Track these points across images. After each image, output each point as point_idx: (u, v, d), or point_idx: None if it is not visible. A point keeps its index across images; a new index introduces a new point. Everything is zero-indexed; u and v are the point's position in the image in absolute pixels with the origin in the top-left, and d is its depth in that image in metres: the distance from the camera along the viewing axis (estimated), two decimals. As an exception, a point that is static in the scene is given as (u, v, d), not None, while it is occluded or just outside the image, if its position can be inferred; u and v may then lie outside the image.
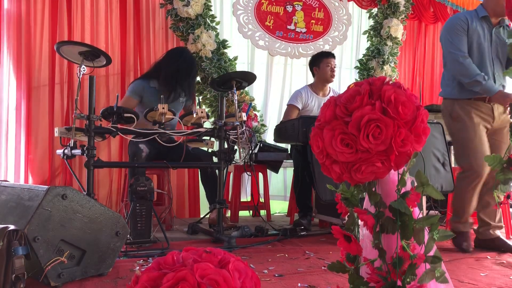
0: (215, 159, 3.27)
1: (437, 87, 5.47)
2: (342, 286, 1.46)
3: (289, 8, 4.81)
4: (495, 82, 2.70)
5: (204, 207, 4.28)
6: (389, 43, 5.10)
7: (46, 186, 1.88)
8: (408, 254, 1.12)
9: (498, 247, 2.67)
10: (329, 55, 3.88)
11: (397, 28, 5.09)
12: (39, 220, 1.78)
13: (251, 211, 4.40)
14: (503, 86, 2.75)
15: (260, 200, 4.09)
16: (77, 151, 2.67)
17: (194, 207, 4.33)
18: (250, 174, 3.64)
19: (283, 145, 4.08)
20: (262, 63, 4.84)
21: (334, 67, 3.85)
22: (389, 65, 5.08)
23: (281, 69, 4.92)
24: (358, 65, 5.14)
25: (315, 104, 3.83)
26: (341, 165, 1.16)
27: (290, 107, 3.83)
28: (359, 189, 1.23)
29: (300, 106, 3.81)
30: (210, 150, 3.40)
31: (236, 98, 3.14)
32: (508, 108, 2.71)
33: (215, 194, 3.37)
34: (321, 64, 3.83)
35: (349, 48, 5.23)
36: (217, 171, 3.08)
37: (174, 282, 0.98)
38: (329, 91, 3.97)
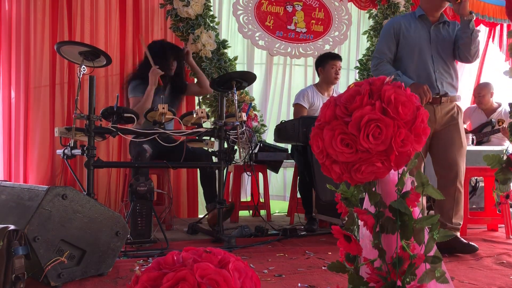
0: (214, 159, 3.27)
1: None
2: (342, 286, 1.46)
3: (289, 8, 4.81)
4: (436, 80, 2.70)
5: (203, 207, 4.28)
6: (389, 43, 5.10)
7: (46, 186, 1.88)
8: (408, 254, 1.12)
9: (454, 247, 2.56)
10: (335, 57, 3.88)
11: (397, 28, 5.09)
12: (39, 220, 1.78)
13: (251, 211, 4.40)
14: (446, 84, 2.73)
15: (260, 200, 4.09)
16: (77, 151, 2.67)
17: (192, 207, 4.33)
18: (250, 174, 3.63)
19: (283, 145, 4.07)
20: (259, 63, 4.83)
21: (339, 69, 3.86)
22: (389, 65, 5.08)
23: (280, 69, 4.92)
24: (358, 65, 5.14)
25: (320, 104, 3.83)
26: (341, 165, 1.16)
27: (298, 106, 3.83)
28: (359, 189, 1.23)
29: (306, 105, 3.82)
30: (210, 150, 3.40)
31: (236, 98, 3.14)
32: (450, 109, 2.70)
33: (214, 193, 3.37)
34: (326, 65, 3.84)
35: (349, 48, 5.22)
36: (217, 171, 3.08)
37: (174, 282, 0.98)
38: (333, 92, 3.97)
